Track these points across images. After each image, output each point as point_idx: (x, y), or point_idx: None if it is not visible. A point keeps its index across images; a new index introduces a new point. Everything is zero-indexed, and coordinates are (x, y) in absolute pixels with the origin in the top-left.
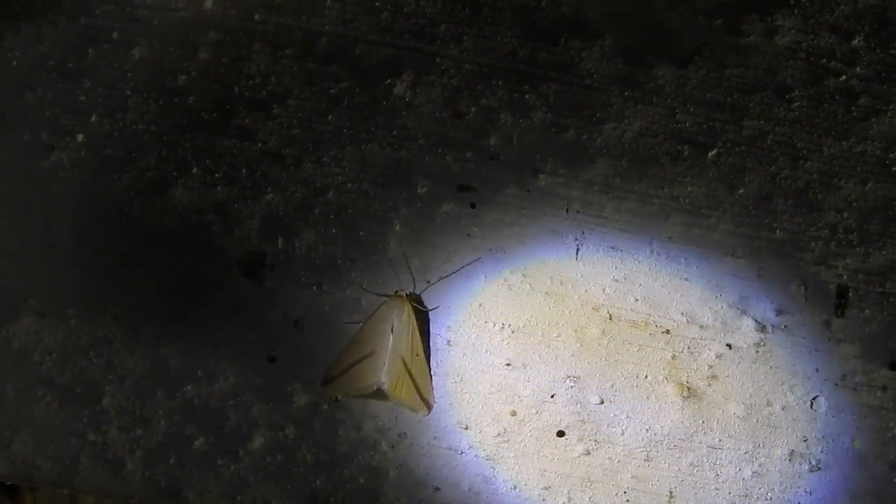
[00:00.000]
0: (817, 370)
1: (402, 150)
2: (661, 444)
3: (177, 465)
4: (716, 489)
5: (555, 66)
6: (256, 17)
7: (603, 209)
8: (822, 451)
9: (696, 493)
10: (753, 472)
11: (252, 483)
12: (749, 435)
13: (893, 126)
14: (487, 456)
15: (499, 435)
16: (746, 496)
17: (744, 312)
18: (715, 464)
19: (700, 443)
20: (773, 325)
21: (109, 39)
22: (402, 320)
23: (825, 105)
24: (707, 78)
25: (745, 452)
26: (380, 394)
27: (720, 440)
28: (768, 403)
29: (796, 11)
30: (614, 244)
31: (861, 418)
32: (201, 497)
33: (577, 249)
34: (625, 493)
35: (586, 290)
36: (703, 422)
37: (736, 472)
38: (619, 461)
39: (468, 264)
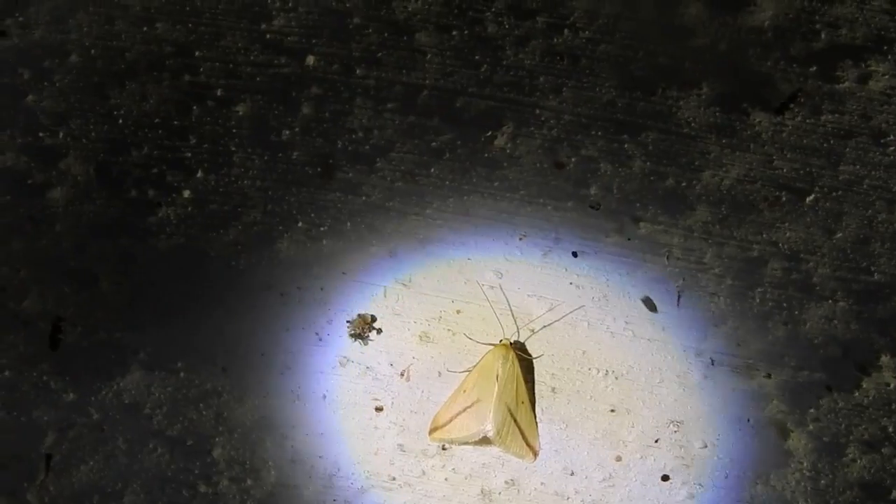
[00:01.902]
0: None
1: (503, 201)
2: (765, 486)
3: None
4: None
5: (653, 116)
6: (358, 71)
7: (703, 255)
8: None
9: None
10: None
11: None
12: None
13: None
14: (594, 501)
15: (604, 480)
16: None
17: (845, 355)
18: None
19: (803, 485)
20: (873, 367)
21: (213, 97)
22: (506, 368)
23: None
24: (803, 124)
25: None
26: (486, 441)
27: (825, 483)
28: (871, 447)
29: (889, 57)
30: (715, 290)
31: None
32: None
33: (679, 296)
34: None
35: (688, 336)
36: (806, 464)
37: None
38: None
39: (571, 312)
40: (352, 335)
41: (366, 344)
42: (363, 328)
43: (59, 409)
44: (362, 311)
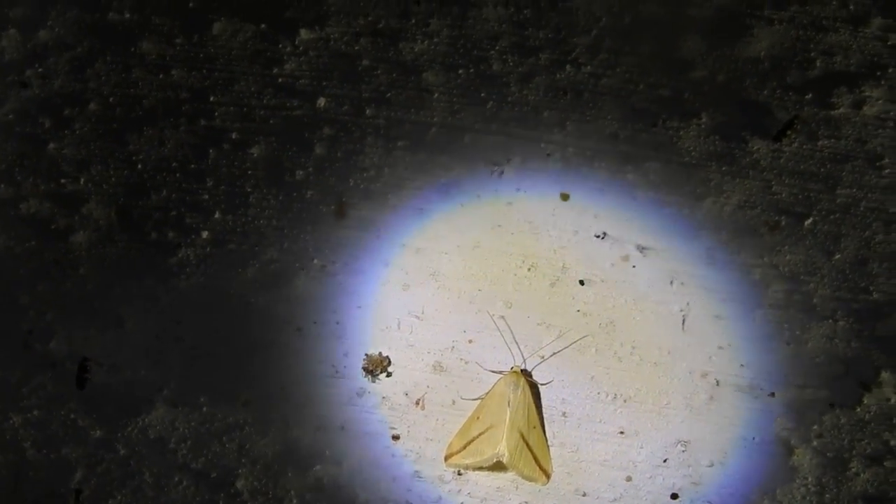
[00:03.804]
0: None
1: (511, 233)
2: (772, 501)
3: None
4: None
5: (655, 146)
6: (368, 111)
7: (706, 280)
8: None
9: None
10: None
11: None
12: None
13: None
14: None
15: (615, 500)
16: None
17: (846, 373)
18: None
19: (809, 500)
20: (874, 384)
21: (229, 140)
22: (518, 395)
23: None
24: (800, 150)
25: None
26: (500, 466)
27: (829, 497)
28: (874, 461)
29: (883, 82)
30: (718, 313)
31: None
32: None
33: (684, 320)
34: None
35: (693, 359)
36: (811, 479)
37: None
38: None
39: (579, 339)
40: (364, 368)
41: (374, 381)
42: (376, 366)
43: (87, 446)
44: (384, 350)
